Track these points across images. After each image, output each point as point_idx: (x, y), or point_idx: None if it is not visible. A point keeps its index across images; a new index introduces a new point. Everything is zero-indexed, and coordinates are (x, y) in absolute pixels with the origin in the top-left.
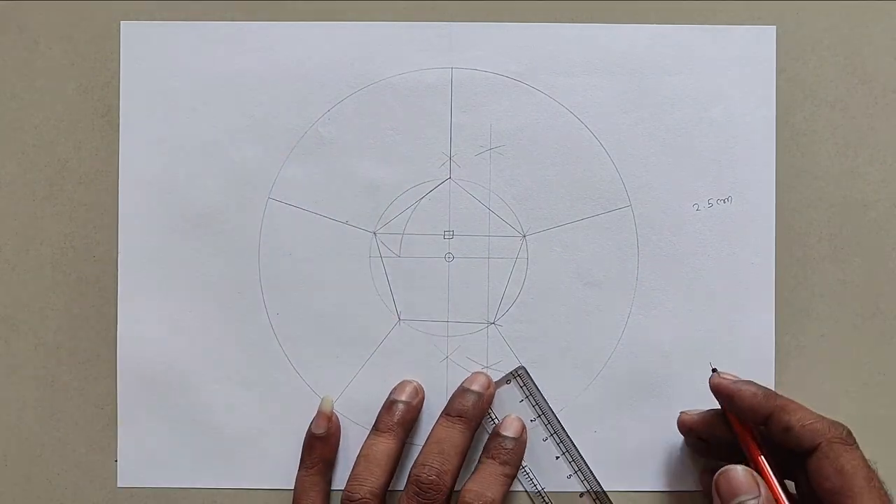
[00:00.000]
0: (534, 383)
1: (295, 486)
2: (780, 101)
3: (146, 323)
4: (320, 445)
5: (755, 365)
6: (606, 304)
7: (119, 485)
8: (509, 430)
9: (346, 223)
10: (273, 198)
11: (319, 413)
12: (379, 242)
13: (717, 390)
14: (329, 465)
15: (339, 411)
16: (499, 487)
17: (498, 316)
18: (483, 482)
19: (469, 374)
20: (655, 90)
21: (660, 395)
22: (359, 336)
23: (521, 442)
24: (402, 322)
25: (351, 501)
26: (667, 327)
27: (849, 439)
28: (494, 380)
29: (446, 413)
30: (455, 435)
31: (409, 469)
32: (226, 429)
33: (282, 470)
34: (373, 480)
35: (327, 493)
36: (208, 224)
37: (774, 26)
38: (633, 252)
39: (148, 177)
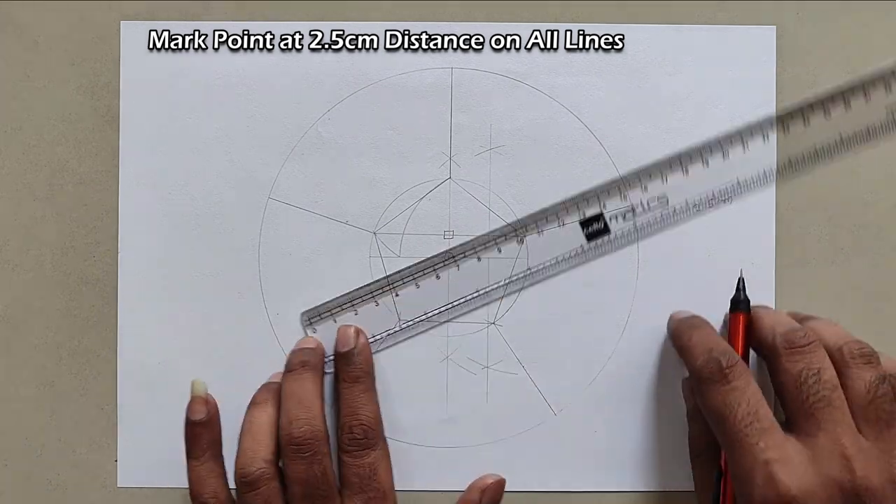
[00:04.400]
0: None
1: (189, 480)
2: (780, 101)
3: (146, 323)
4: (205, 431)
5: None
6: (606, 304)
7: (119, 485)
8: (346, 344)
9: (346, 223)
10: (273, 198)
11: (194, 398)
12: (379, 242)
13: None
14: (219, 448)
15: None
16: (367, 403)
17: (498, 316)
18: (350, 406)
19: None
20: (655, 90)
21: (660, 395)
22: None
23: (361, 350)
24: (402, 322)
25: (246, 477)
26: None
27: (716, 376)
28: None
29: (288, 371)
30: (305, 383)
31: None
32: (226, 429)
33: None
34: (262, 450)
35: (225, 477)
36: (208, 224)
37: (774, 26)
38: (633, 252)
39: (148, 177)
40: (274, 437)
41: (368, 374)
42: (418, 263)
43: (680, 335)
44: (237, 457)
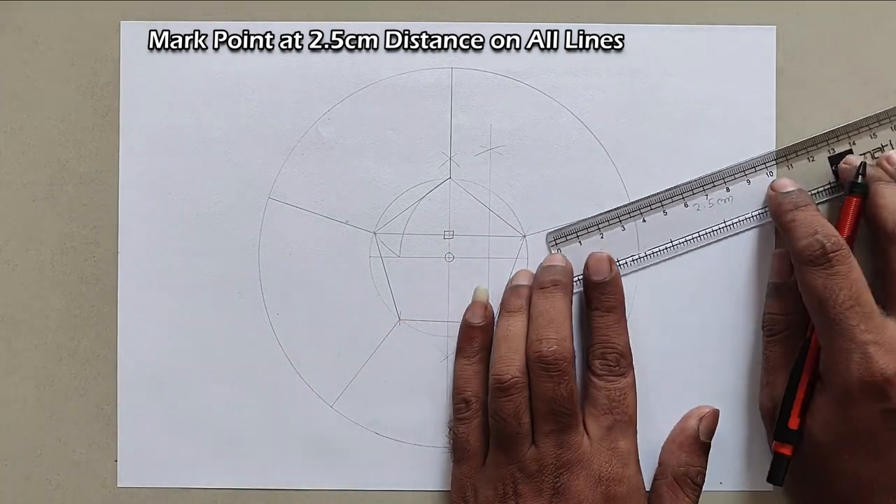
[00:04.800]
0: None
1: (456, 377)
2: (780, 101)
3: (146, 323)
4: (480, 334)
5: (756, 365)
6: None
7: (119, 485)
8: (597, 273)
9: (346, 223)
10: (273, 198)
11: (475, 303)
12: (379, 242)
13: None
14: (488, 353)
15: (339, 411)
16: (621, 333)
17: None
18: (603, 333)
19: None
20: (655, 90)
21: (659, 395)
22: (359, 336)
23: (614, 280)
24: (402, 322)
25: (502, 383)
26: (667, 327)
27: (818, 260)
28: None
29: (539, 287)
30: (557, 302)
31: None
32: (226, 429)
33: (282, 470)
34: (518, 359)
35: (486, 380)
36: (208, 224)
37: (774, 26)
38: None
39: (148, 177)
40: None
41: (622, 304)
42: (668, 190)
43: (782, 212)
44: (494, 361)
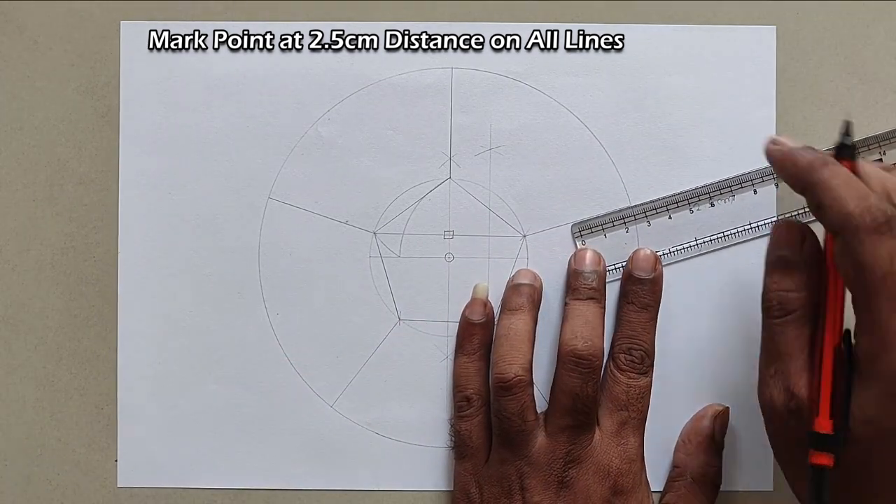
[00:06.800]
0: None
1: (457, 374)
2: (780, 101)
3: (146, 323)
4: (480, 331)
5: (755, 364)
6: (606, 303)
7: (119, 485)
8: (641, 270)
9: (346, 223)
10: (273, 198)
11: (475, 300)
12: (379, 242)
13: (768, 159)
14: (488, 350)
15: (339, 411)
16: (650, 332)
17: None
18: (631, 330)
19: (575, 252)
20: (655, 90)
21: (659, 395)
22: (359, 336)
23: (656, 279)
24: (402, 322)
25: (504, 382)
26: (667, 327)
27: (882, 227)
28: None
29: (575, 298)
30: (591, 306)
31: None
32: (226, 429)
33: (282, 470)
34: (520, 357)
35: (488, 377)
36: (208, 224)
37: (774, 26)
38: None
39: (148, 177)
40: (531, 344)
41: (657, 304)
42: (696, 189)
43: (813, 168)
44: (495, 360)
